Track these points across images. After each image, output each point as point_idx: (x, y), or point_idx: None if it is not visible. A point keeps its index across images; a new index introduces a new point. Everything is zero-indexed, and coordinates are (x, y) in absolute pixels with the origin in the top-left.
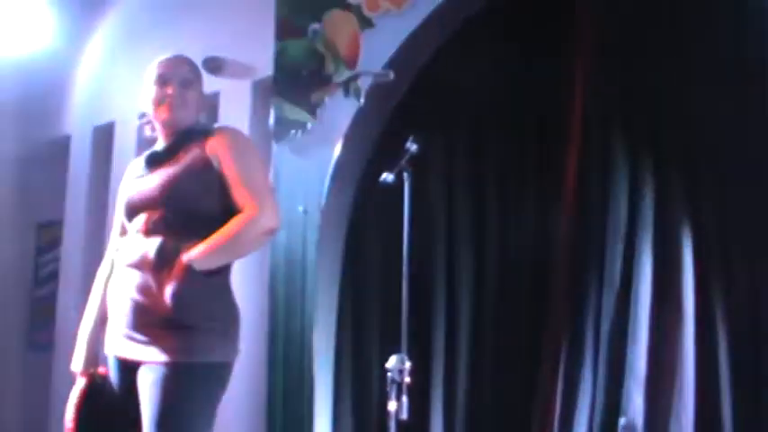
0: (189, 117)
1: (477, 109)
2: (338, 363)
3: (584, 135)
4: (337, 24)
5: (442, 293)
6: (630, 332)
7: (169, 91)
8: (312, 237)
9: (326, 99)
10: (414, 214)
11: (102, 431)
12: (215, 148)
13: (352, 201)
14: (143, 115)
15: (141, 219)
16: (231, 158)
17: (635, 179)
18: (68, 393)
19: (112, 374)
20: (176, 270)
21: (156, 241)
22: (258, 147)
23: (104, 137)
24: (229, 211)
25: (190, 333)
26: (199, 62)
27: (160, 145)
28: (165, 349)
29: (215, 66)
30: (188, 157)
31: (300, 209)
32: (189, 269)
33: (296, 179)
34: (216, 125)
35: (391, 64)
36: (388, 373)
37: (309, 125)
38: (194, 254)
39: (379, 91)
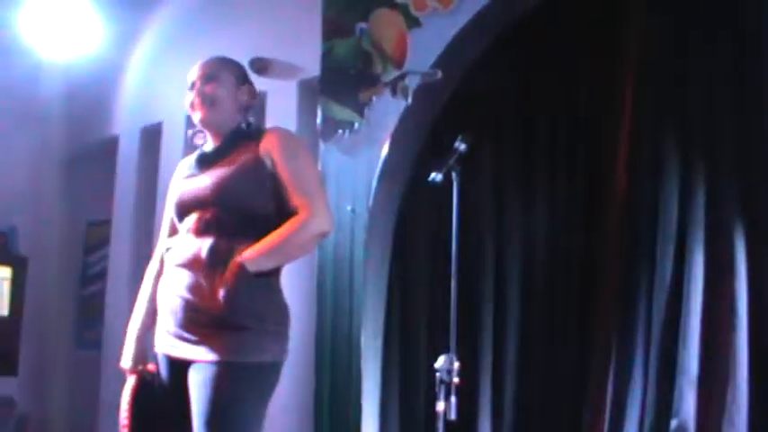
0: (224, 114)
1: (526, 109)
2: (386, 362)
3: (635, 135)
4: (384, 24)
5: (491, 293)
6: (682, 333)
7: (197, 92)
8: (360, 236)
9: (374, 98)
10: (462, 214)
11: (154, 427)
12: (268, 149)
13: (400, 200)
14: (192, 126)
15: (192, 218)
16: (284, 160)
17: (686, 178)
18: (116, 391)
19: (162, 372)
20: (229, 271)
21: (207, 241)
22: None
23: (152, 137)
24: (281, 211)
25: (241, 333)
26: (245, 63)
27: (210, 146)
28: (215, 348)
29: (261, 66)
30: (240, 157)
31: (348, 208)
32: (241, 270)
33: (344, 179)
34: (267, 126)
35: (438, 63)
36: (437, 374)
37: (357, 125)
38: (247, 255)
39: (426, 90)
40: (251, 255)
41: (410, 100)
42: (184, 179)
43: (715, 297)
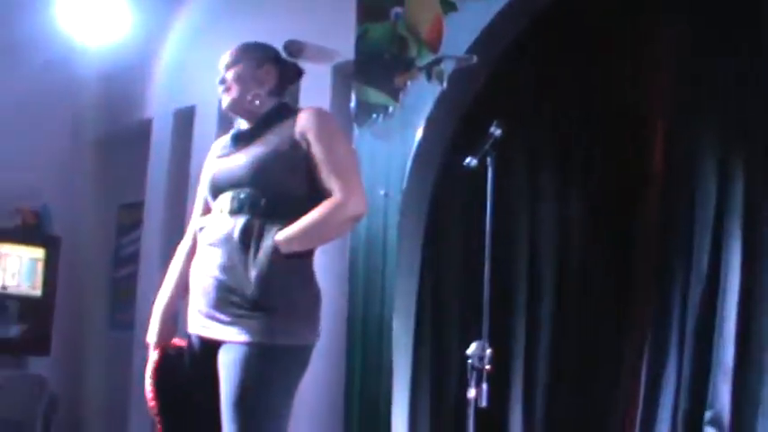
0: (247, 96)
1: (561, 95)
2: (417, 347)
3: (672, 122)
4: (420, 8)
5: (524, 279)
6: (718, 324)
7: (220, 80)
8: (393, 220)
9: (409, 83)
10: (496, 198)
11: (179, 402)
12: (303, 130)
13: (433, 185)
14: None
15: (227, 197)
16: (320, 141)
17: (724, 168)
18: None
19: (194, 352)
20: (262, 252)
21: (241, 220)
22: None
23: (185, 120)
24: (316, 192)
25: (273, 315)
26: (279, 46)
27: (245, 125)
28: (246, 330)
29: (296, 49)
30: (275, 137)
31: (382, 192)
32: (275, 251)
33: (377, 163)
34: (303, 106)
35: (474, 48)
36: (468, 360)
37: (391, 109)
38: (281, 237)
39: (461, 75)
40: (285, 236)
41: (445, 85)
42: (219, 158)
43: (752, 288)
